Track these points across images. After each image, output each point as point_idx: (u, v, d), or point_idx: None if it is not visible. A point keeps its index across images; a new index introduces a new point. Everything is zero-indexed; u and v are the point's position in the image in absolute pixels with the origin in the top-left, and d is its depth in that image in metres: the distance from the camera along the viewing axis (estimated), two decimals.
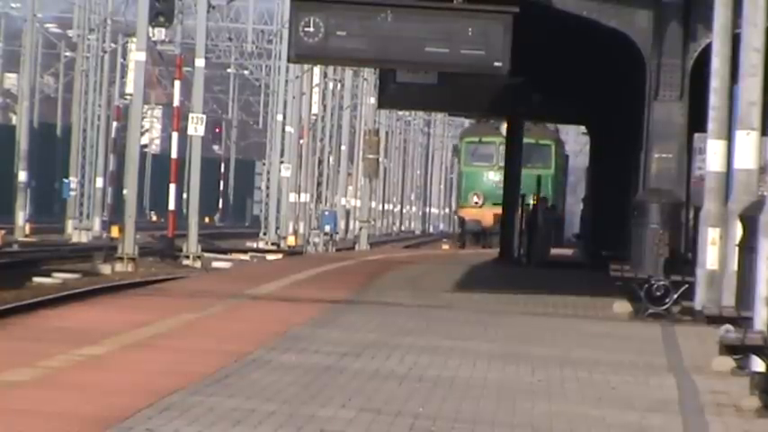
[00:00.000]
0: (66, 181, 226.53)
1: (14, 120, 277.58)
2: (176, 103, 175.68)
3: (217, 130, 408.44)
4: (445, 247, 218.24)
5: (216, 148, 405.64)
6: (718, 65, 62.08)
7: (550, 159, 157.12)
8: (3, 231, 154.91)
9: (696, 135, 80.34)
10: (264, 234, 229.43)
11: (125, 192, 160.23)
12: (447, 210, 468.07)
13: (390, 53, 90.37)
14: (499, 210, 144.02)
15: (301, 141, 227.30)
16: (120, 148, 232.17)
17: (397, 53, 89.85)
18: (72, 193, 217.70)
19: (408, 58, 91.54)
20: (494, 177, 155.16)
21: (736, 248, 52.37)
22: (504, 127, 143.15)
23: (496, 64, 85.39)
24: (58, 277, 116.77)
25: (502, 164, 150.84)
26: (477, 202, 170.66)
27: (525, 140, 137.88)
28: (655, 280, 72.92)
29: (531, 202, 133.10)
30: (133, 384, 35.23)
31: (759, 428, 29.86)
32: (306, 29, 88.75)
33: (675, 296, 72.72)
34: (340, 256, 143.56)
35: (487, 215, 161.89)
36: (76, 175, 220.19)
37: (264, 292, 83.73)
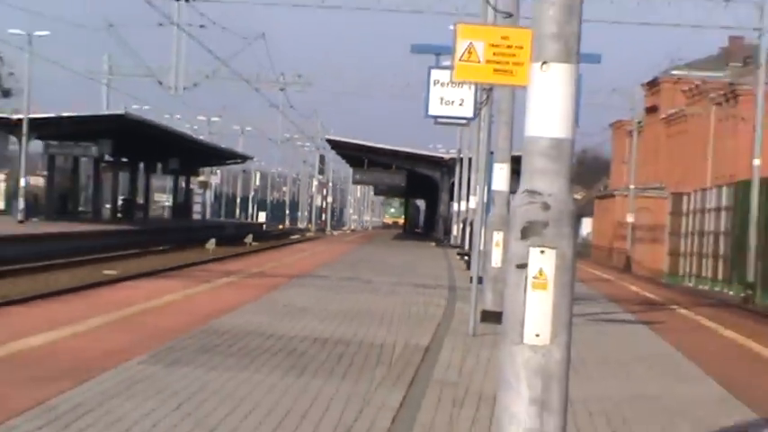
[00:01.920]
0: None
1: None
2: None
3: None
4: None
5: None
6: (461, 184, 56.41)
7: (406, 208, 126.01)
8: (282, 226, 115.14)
9: (452, 202, 66.64)
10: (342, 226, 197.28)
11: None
12: None
13: (380, 184, 73.91)
14: (394, 219, 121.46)
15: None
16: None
17: (377, 183, 74.16)
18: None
19: (379, 182, 73.72)
20: (392, 210, 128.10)
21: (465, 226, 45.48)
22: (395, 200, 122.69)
23: (402, 185, 72.89)
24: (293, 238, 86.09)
25: (393, 208, 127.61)
26: (386, 217, 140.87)
27: (399, 200, 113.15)
28: (442, 237, 57.06)
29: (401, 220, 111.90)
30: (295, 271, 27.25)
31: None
32: (356, 176, 77.27)
33: (447, 239, 56.81)
34: (365, 234, 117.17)
35: (389, 221, 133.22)
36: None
37: (341, 237, 53.04)
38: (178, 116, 79.98)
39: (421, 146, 65.16)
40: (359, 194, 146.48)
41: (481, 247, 16.52)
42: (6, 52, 72.37)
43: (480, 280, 15.79)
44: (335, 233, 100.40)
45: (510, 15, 15.07)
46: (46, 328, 12.58)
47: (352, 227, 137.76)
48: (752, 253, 32.61)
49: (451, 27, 12.03)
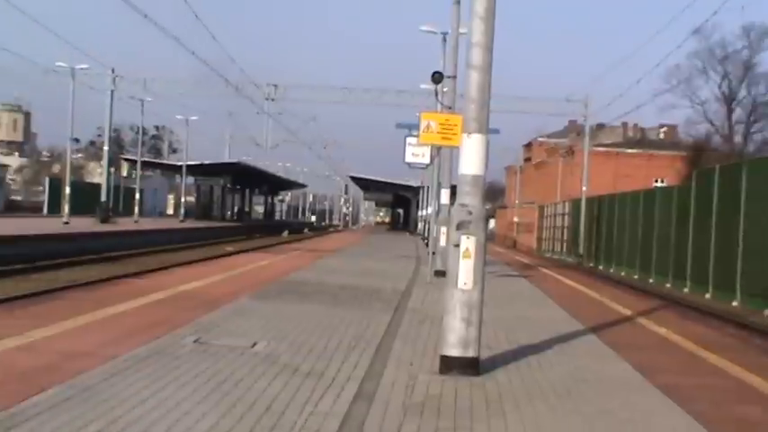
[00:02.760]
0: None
1: None
2: None
3: None
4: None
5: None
6: (423, 200, 38.78)
7: (392, 213, 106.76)
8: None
9: (418, 210, 50.64)
10: (357, 225, 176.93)
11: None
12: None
13: (378, 200, 76.00)
14: (383, 219, 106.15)
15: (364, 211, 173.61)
16: None
17: (377, 199, 75.57)
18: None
19: (377, 199, 75.10)
20: (381, 214, 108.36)
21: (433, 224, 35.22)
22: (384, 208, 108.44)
23: (390, 200, 73.55)
24: (330, 230, 73.72)
25: (382, 212, 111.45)
26: (378, 218, 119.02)
27: (386, 209, 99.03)
28: (413, 230, 52.31)
29: (388, 220, 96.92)
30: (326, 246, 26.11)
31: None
32: (365, 195, 75.07)
33: (415, 231, 50.24)
34: (368, 228, 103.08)
35: (380, 221, 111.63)
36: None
37: (354, 230, 47.96)
38: (267, 163, 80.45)
39: (401, 178, 63.67)
40: (366, 205, 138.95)
41: (434, 235, 16.48)
42: (175, 128, 74.53)
43: (434, 253, 15.64)
44: (353, 228, 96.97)
45: (450, 108, 15.05)
46: (193, 279, 12.56)
47: (362, 224, 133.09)
48: (581, 238, 32.55)
49: (418, 114, 12.18)
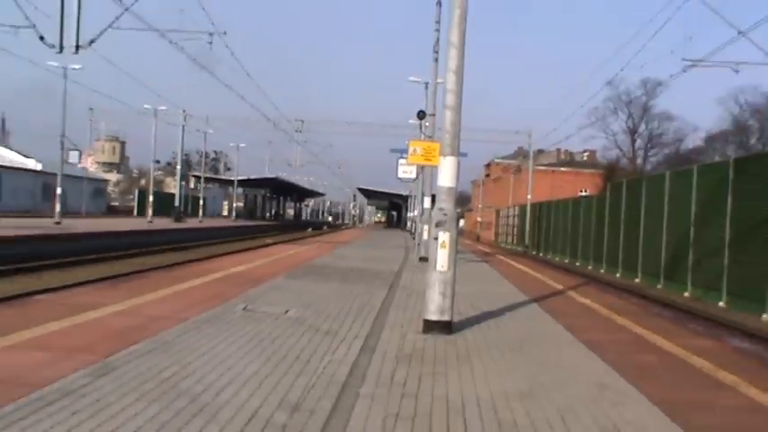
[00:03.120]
0: None
1: None
2: None
3: None
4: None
5: None
6: (411, 205, 29.75)
7: (387, 215, 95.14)
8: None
9: (408, 212, 41.88)
10: (363, 224, 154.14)
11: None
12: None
13: (378, 205, 74.38)
14: (380, 220, 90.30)
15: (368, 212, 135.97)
16: None
17: (377, 204, 73.87)
18: None
19: (377, 204, 73.59)
20: (378, 215, 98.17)
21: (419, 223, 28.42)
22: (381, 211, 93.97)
23: (387, 205, 71.05)
24: (343, 228, 70.43)
25: (379, 213, 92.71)
26: (376, 218, 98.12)
27: (383, 211, 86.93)
28: (403, 227, 48.80)
29: (384, 219, 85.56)
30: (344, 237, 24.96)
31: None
32: (368, 201, 73.37)
33: (405, 228, 44.31)
34: (371, 226, 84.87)
35: (378, 221, 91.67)
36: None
37: (360, 227, 47.97)
38: (296, 178, 79.71)
39: (395, 188, 61.40)
40: (369, 209, 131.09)
41: (419, 231, 16.31)
42: (228, 152, 74.98)
43: (419, 244, 15.61)
44: (359, 225, 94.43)
45: (431, 137, 14.96)
46: (242, 263, 12.35)
47: (366, 223, 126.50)
48: (527, 233, 32.61)
49: (407, 142, 12.07)
